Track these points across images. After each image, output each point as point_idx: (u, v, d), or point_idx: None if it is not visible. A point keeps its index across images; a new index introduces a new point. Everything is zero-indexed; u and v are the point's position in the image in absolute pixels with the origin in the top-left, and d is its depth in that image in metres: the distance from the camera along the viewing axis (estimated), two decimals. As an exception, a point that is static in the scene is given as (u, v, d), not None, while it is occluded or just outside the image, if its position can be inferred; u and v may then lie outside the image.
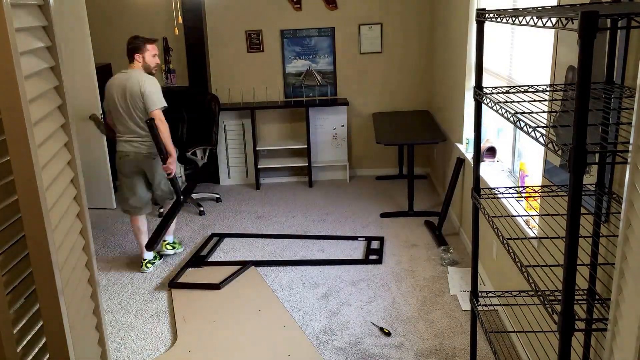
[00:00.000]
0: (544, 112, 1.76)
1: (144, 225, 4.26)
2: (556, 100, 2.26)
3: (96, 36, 5.92)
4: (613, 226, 1.96)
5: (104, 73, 5.87)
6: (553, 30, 2.51)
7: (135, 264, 4.34)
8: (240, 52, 5.98)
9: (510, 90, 2.13)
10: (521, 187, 2.72)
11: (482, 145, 3.71)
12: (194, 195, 5.59)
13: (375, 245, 4.47)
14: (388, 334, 3.28)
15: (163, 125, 3.93)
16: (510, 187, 2.41)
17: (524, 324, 2.78)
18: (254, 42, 5.95)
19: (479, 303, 2.59)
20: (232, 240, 4.70)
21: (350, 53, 5.99)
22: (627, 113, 1.73)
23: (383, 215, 5.07)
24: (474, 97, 2.29)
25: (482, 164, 3.76)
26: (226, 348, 3.25)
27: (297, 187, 6.02)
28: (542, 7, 2.01)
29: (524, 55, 3.33)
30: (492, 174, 3.74)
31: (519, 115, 1.73)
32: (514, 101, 1.92)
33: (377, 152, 6.22)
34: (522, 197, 2.73)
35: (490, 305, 2.75)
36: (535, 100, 1.97)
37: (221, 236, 4.76)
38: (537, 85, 2.18)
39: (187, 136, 5.69)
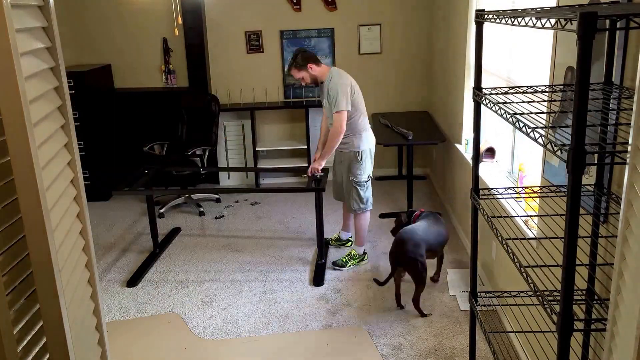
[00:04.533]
0: (543, 112, 1.77)
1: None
2: (555, 100, 2.27)
3: (96, 36, 5.94)
4: (612, 226, 1.96)
5: (104, 73, 5.88)
6: (552, 31, 2.51)
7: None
8: (240, 53, 5.98)
9: (509, 91, 2.14)
10: (520, 187, 2.72)
11: (481, 145, 3.72)
12: (193, 196, 5.60)
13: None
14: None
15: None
16: (509, 188, 2.42)
17: (523, 324, 2.78)
18: (254, 42, 5.95)
19: (478, 303, 2.59)
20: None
21: (350, 54, 5.99)
22: (625, 114, 1.73)
23: (382, 215, 5.07)
24: (473, 98, 2.30)
25: (481, 165, 3.77)
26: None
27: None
28: (541, 8, 2.01)
29: (523, 56, 3.34)
30: (491, 174, 3.74)
31: (517, 116, 1.73)
32: (513, 102, 1.92)
33: (376, 153, 6.20)
34: (521, 197, 2.73)
35: (489, 305, 2.76)
36: (534, 101, 1.97)
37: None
38: (536, 86, 2.18)
39: (187, 137, 5.70)
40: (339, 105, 3.85)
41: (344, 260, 4.15)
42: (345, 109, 3.87)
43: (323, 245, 4.26)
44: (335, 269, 4.10)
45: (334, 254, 4.37)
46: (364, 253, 4.21)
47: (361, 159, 4.02)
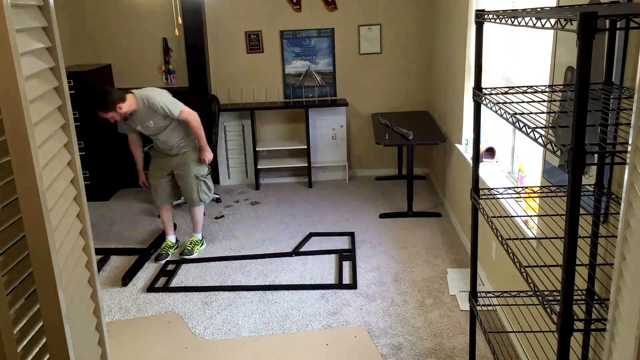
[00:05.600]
0: (543, 112, 1.77)
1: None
2: (555, 101, 2.27)
3: (96, 36, 5.94)
4: (612, 226, 1.96)
5: (104, 73, 5.88)
6: (552, 31, 2.51)
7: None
8: (240, 52, 5.98)
9: (509, 91, 2.14)
10: (520, 187, 2.72)
11: (481, 145, 3.72)
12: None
13: (346, 265, 4.14)
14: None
15: None
16: (509, 188, 2.42)
17: (523, 324, 2.78)
18: (254, 42, 5.95)
19: (478, 303, 2.59)
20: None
21: (350, 54, 5.99)
22: (625, 114, 1.73)
23: (382, 215, 5.07)
24: (473, 98, 2.30)
25: (481, 165, 3.77)
26: None
27: (297, 188, 6.02)
28: (541, 8, 2.01)
29: (523, 56, 3.34)
30: (491, 174, 3.74)
31: (517, 116, 1.73)
32: (513, 102, 1.92)
33: (376, 153, 6.23)
34: (521, 197, 2.73)
35: (489, 305, 2.76)
36: (534, 101, 1.97)
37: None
38: (536, 86, 2.18)
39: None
40: (177, 105, 4.06)
41: (190, 248, 4.47)
42: (181, 104, 4.08)
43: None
44: (185, 258, 4.40)
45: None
46: (202, 238, 4.62)
47: (198, 154, 4.31)
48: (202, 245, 4.58)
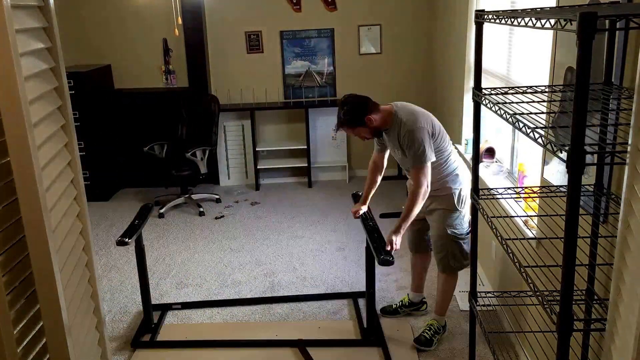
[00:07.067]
0: (542, 113, 1.77)
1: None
2: (555, 101, 2.27)
3: (96, 37, 5.94)
4: (611, 227, 1.96)
5: (104, 73, 5.88)
6: (552, 31, 2.51)
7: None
8: (239, 53, 5.98)
9: (509, 92, 2.13)
10: (520, 187, 2.72)
11: (481, 145, 3.72)
12: (194, 196, 5.60)
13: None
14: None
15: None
16: (509, 188, 2.42)
17: (523, 324, 2.78)
18: (254, 43, 5.95)
19: (477, 303, 2.59)
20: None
21: (350, 54, 5.99)
22: (625, 114, 1.73)
23: (382, 215, 5.04)
24: (472, 98, 2.29)
25: (481, 165, 3.77)
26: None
27: (297, 188, 6.02)
28: (541, 8, 2.01)
29: (522, 56, 3.34)
30: (491, 174, 3.74)
31: (517, 116, 1.73)
32: (512, 102, 1.92)
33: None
34: (520, 197, 2.73)
35: (489, 305, 2.75)
36: (534, 101, 1.97)
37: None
38: (535, 86, 2.18)
39: (187, 137, 5.70)
40: (419, 159, 2.89)
41: (428, 335, 3.18)
42: (428, 162, 2.91)
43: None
44: (420, 349, 3.14)
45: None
46: (445, 324, 3.30)
47: (461, 205, 3.07)
48: (443, 333, 3.26)
